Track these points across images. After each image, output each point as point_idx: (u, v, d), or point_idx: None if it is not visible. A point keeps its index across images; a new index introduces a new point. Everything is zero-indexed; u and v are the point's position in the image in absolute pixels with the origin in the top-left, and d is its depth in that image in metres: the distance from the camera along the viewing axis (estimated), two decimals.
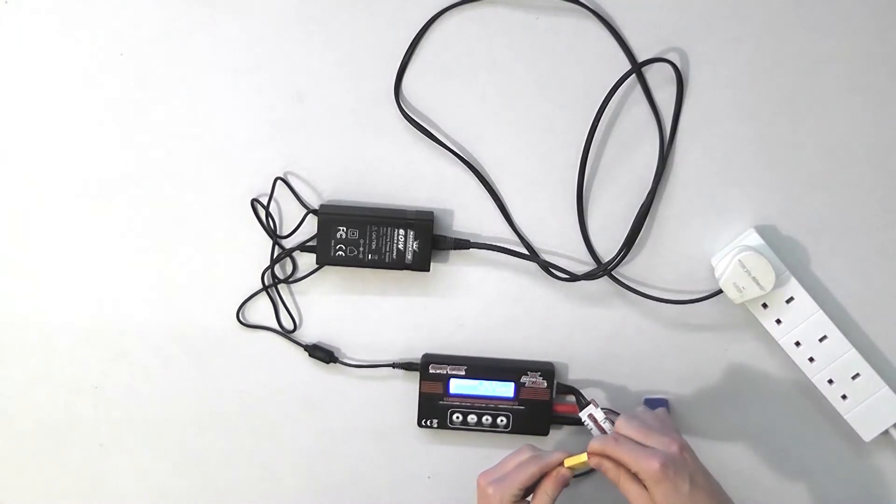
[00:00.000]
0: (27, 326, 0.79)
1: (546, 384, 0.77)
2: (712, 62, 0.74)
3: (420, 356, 0.79)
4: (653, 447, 0.65)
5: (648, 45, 0.74)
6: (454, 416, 0.78)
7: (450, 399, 0.78)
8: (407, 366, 0.78)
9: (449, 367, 0.77)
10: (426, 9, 0.74)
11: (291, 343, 0.79)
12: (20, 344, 0.79)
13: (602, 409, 0.72)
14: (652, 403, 0.78)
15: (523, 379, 0.77)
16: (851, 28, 0.73)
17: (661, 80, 0.74)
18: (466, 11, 0.74)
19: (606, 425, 0.72)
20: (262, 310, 0.79)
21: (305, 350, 0.78)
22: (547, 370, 0.77)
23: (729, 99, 0.74)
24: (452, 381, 0.77)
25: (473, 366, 0.77)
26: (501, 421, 0.78)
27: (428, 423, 0.78)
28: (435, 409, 0.78)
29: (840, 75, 0.73)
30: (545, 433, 0.78)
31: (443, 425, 0.78)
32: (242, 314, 0.78)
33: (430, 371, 0.77)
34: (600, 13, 0.73)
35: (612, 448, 0.67)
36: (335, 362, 0.79)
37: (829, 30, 0.73)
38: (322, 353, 0.78)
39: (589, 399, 0.74)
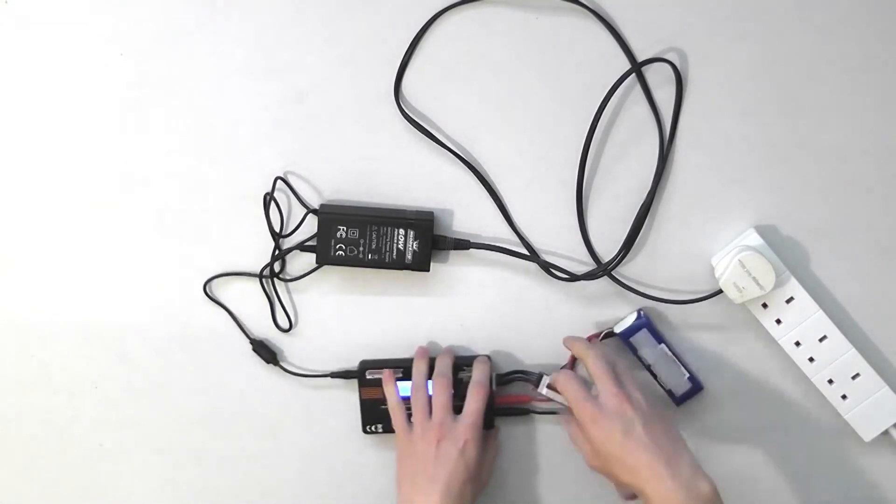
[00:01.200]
0: (27, 326, 0.79)
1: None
2: (712, 62, 0.74)
3: None
4: (597, 393, 0.69)
5: (648, 45, 0.74)
6: None
7: None
8: (345, 374, 0.78)
9: (386, 371, 0.77)
10: (426, 9, 0.74)
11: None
12: (20, 344, 0.79)
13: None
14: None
15: (460, 375, 0.76)
16: (852, 28, 0.73)
17: (660, 80, 0.74)
18: (466, 11, 0.74)
19: None
20: (259, 309, 0.79)
21: (251, 344, 0.78)
22: None
23: (729, 99, 0.74)
24: None
25: (411, 367, 0.76)
26: None
27: (373, 428, 0.78)
28: (378, 414, 0.77)
29: (840, 75, 0.73)
30: (490, 426, 0.77)
31: (388, 429, 0.77)
32: (210, 288, 0.78)
33: (368, 377, 0.77)
34: (600, 13, 0.73)
35: (560, 382, 0.71)
36: (276, 364, 0.78)
37: (829, 30, 0.73)
38: (265, 353, 0.78)
39: (538, 373, 0.75)
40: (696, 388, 0.77)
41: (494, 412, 0.77)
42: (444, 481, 0.70)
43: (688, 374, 0.75)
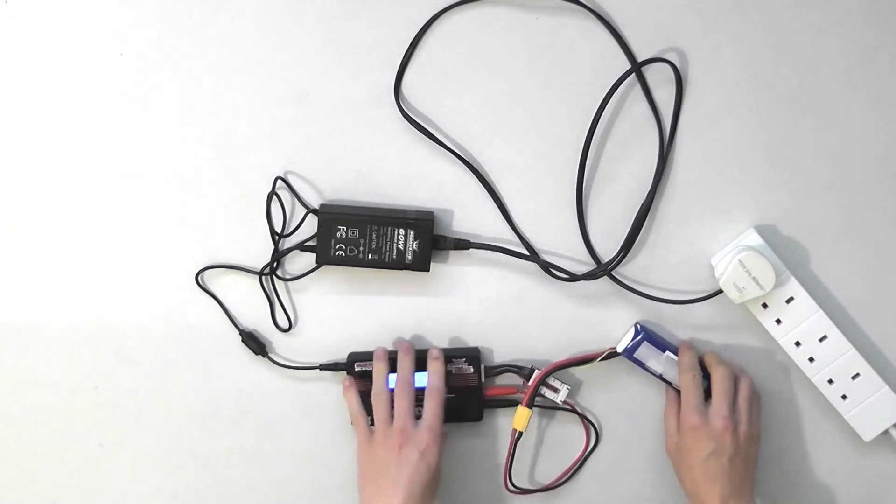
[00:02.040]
0: (27, 327, 0.79)
1: (473, 370, 0.77)
2: (712, 62, 0.74)
3: None
4: (710, 408, 0.72)
5: (648, 44, 0.74)
6: None
7: None
8: (333, 366, 0.78)
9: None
10: (426, 9, 0.74)
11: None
12: (20, 345, 0.79)
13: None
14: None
15: (449, 366, 0.76)
16: (851, 28, 0.73)
17: (660, 80, 0.74)
18: (466, 11, 0.74)
19: (556, 384, 0.77)
20: (253, 304, 0.79)
21: (240, 335, 0.78)
22: (472, 356, 0.77)
23: (729, 99, 0.74)
24: None
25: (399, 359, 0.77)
26: None
27: None
28: (367, 406, 0.77)
29: (840, 75, 0.73)
30: (479, 418, 0.78)
31: None
32: (203, 279, 0.78)
33: (357, 369, 0.77)
34: (600, 13, 0.73)
35: (683, 377, 0.74)
36: (264, 356, 0.78)
37: (829, 29, 0.73)
38: (254, 344, 0.78)
39: (529, 367, 0.76)
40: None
41: (483, 404, 0.78)
42: (407, 485, 0.71)
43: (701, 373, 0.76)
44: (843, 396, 0.76)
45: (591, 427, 0.79)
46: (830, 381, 0.76)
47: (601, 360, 0.76)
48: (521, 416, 0.76)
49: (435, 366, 0.76)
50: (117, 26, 0.74)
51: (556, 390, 0.77)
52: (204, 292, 0.78)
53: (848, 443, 0.79)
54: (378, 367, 0.76)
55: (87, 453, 0.82)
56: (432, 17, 0.74)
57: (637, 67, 0.73)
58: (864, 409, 0.76)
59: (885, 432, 0.77)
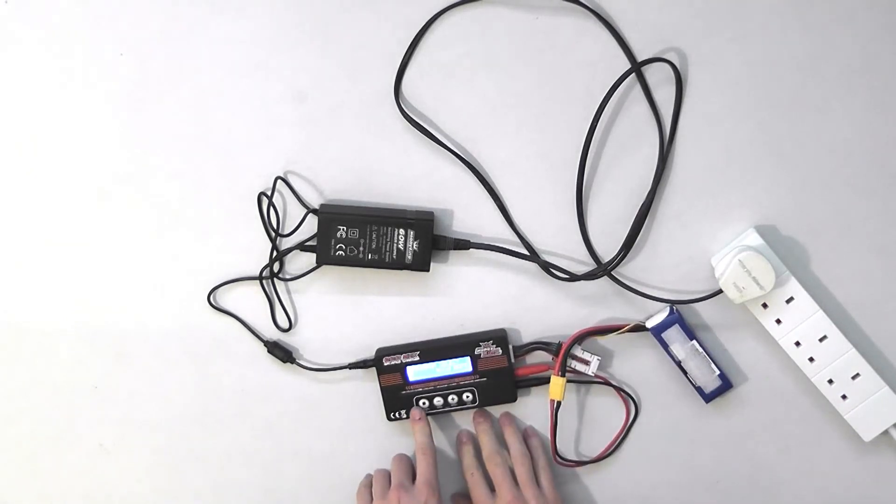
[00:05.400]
0: (27, 327, 0.79)
1: (501, 351, 0.77)
2: (712, 62, 0.74)
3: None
4: (497, 499, 0.73)
5: (648, 44, 0.74)
6: (420, 403, 0.78)
7: (411, 387, 0.77)
8: (363, 364, 0.78)
9: (402, 355, 0.77)
10: (426, 9, 0.74)
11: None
12: (20, 344, 0.79)
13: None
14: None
15: (477, 351, 0.77)
16: (851, 28, 0.73)
17: (660, 80, 0.74)
18: (466, 11, 0.74)
19: (586, 356, 0.76)
20: (258, 308, 0.79)
21: (265, 346, 0.78)
22: (499, 337, 0.77)
23: (729, 99, 0.74)
24: (409, 369, 0.77)
25: (426, 349, 0.77)
26: (467, 397, 0.78)
27: (396, 415, 0.78)
28: (400, 400, 0.78)
29: (840, 75, 0.73)
30: (513, 399, 0.78)
31: None
32: (214, 297, 0.78)
33: (385, 364, 0.77)
34: (600, 13, 0.73)
35: (469, 483, 0.75)
36: (292, 363, 0.78)
37: (828, 30, 0.73)
38: (280, 352, 0.78)
39: (557, 342, 0.76)
40: (725, 385, 0.77)
41: (516, 384, 0.78)
42: None
43: (718, 372, 0.76)
44: (843, 396, 0.76)
45: (630, 399, 0.79)
46: (830, 381, 0.76)
47: (626, 331, 0.76)
48: (556, 386, 0.76)
49: (419, 426, 0.77)
50: (117, 26, 0.74)
51: (586, 362, 0.77)
52: (218, 311, 0.78)
53: (848, 443, 0.79)
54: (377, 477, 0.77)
55: (87, 453, 0.82)
56: (432, 17, 0.74)
57: (637, 67, 0.73)
58: (864, 409, 0.76)
59: (885, 432, 0.77)
